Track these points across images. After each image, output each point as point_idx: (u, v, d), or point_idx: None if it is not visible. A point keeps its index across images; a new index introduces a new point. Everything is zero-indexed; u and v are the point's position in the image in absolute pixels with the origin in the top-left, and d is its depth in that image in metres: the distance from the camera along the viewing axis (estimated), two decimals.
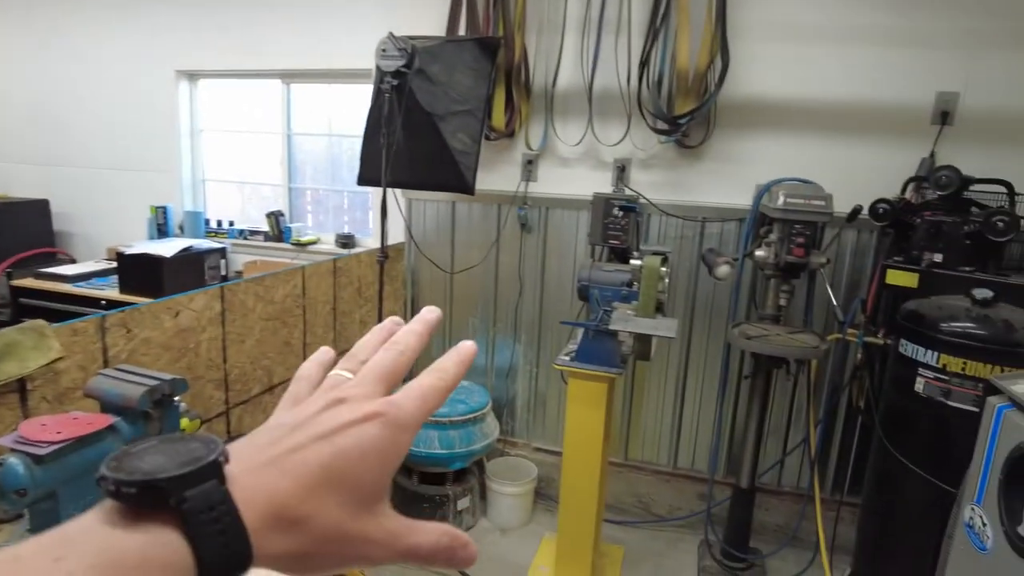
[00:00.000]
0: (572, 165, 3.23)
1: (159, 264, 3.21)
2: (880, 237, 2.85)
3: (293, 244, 3.79)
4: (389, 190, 3.40)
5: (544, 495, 3.44)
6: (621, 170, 3.12)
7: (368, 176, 2.92)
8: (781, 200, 2.33)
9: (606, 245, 2.97)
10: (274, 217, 3.81)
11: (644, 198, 3.08)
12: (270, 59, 3.64)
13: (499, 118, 3.12)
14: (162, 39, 3.86)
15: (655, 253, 2.46)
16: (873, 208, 2.55)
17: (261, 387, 2.49)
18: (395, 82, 2.56)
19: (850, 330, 2.67)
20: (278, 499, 0.34)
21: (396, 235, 3.53)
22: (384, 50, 2.58)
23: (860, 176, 2.83)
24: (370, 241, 3.69)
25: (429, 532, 0.41)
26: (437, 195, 3.39)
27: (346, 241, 3.70)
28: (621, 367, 2.55)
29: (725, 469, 3.29)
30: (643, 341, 2.37)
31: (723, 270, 2.52)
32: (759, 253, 2.49)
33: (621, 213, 2.84)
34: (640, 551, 3.17)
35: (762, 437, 2.86)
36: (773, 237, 2.42)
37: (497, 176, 3.33)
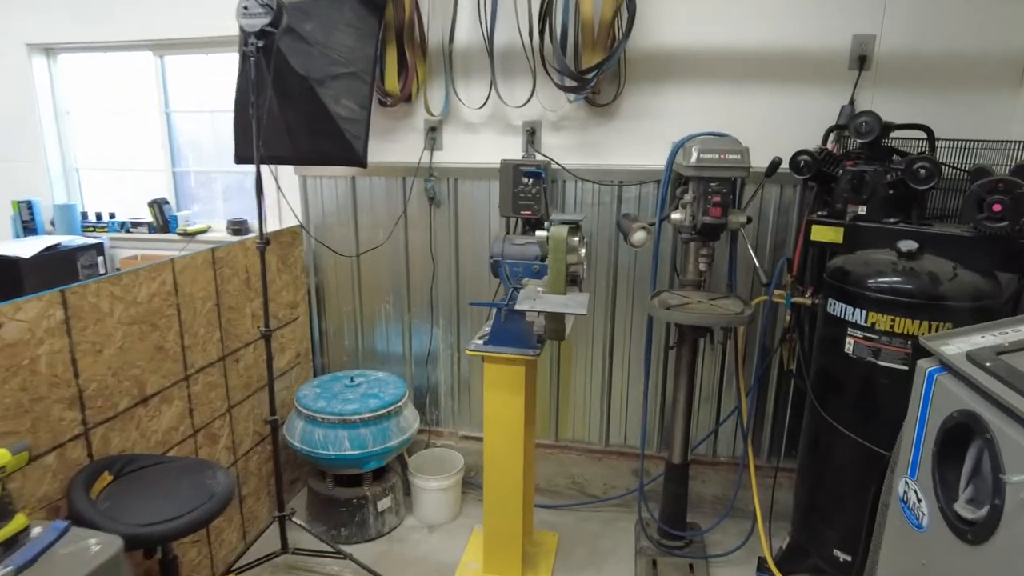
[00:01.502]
0: (479, 131, 2.97)
1: (15, 266, 2.82)
2: (803, 191, 2.71)
3: (180, 234, 3.42)
4: (277, 166, 3.09)
5: (474, 484, 3.24)
6: (531, 134, 2.87)
7: (244, 153, 2.60)
8: (694, 157, 2.13)
9: (518, 216, 2.74)
10: (157, 206, 3.44)
11: (556, 163, 2.85)
12: (136, 29, 3.23)
13: (392, 81, 2.82)
14: (5, 7, 3.38)
15: (564, 222, 2.25)
16: (794, 160, 2.39)
17: (131, 400, 2.18)
18: (260, 43, 2.25)
19: (777, 291, 2.53)
20: None
21: (293, 216, 3.22)
22: (246, 8, 2.25)
23: (780, 127, 2.67)
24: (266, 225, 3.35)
25: None
26: (334, 170, 3.09)
27: (238, 227, 3.37)
28: (537, 347, 2.35)
29: (658, 443, 3.15)
30: (555, 319, 2.16)
31: (639, 236, 2.33)
32: (675, 216, 2.30)
33: (531, 181, 2.61)
34: (575, 535, 3.01)
35: (692, 409, 2.72)
36: (688, 198, 2.23)
37: (398, 146, 3.04)
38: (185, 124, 3.54)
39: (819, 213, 2.43)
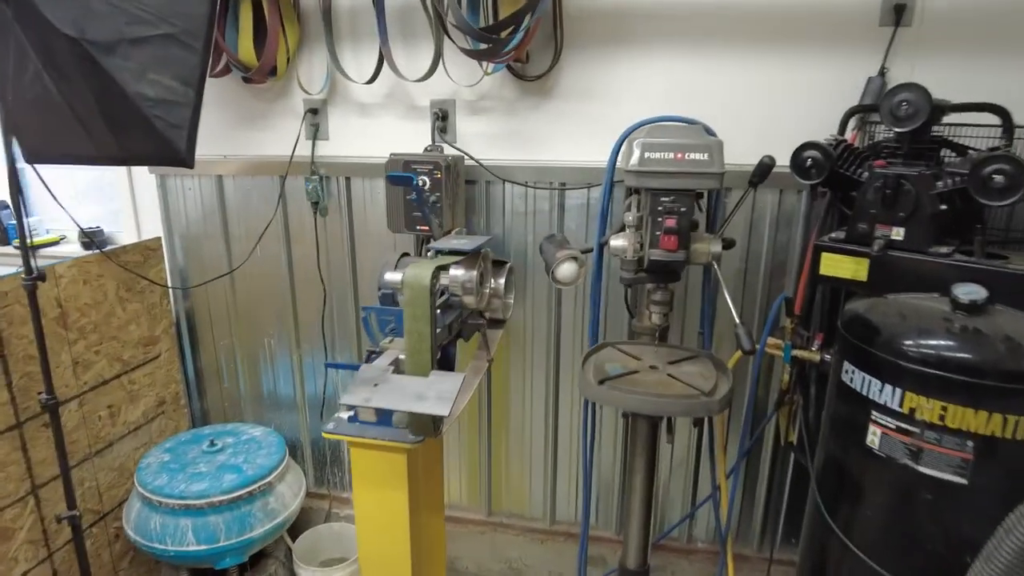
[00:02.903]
0: (374, 113, 2.22)
1: None
2: (811, 199, 1.94)
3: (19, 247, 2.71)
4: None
5: None
6: (441, 119, 2.12)
7: (33, 146, 1.88)
8: (636, 156, 1.37)
9: (414, 233, 2.00)
10: None
11: (471, 158, 2.10)
12: None
13: (247, 48, 2.07)
14: None
15: (451, 252, 1.51)
16: (798, 158, 1.63)
17: None
18: None
19: (771, 340, 1.79)
20: None
21: (151, 227, 2.52)
22: None
23: (779, 110, 1.91)
24: (124, 236, 2.64)
25: None
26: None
27: (90, 240, 2.65)
28: (421, 432, 1.62)
29: (617, 522, 2.43)
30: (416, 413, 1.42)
31: (566, 270, 1.58)
32: (615, 243, 1.54)
33: (422, 185, 1.87)
34: None
35: (653, 494, 1.99)
36: (631, 218, 1.47)
37: (271, 135, 2.30)
38: None
39: (832, 235, 1.66)
